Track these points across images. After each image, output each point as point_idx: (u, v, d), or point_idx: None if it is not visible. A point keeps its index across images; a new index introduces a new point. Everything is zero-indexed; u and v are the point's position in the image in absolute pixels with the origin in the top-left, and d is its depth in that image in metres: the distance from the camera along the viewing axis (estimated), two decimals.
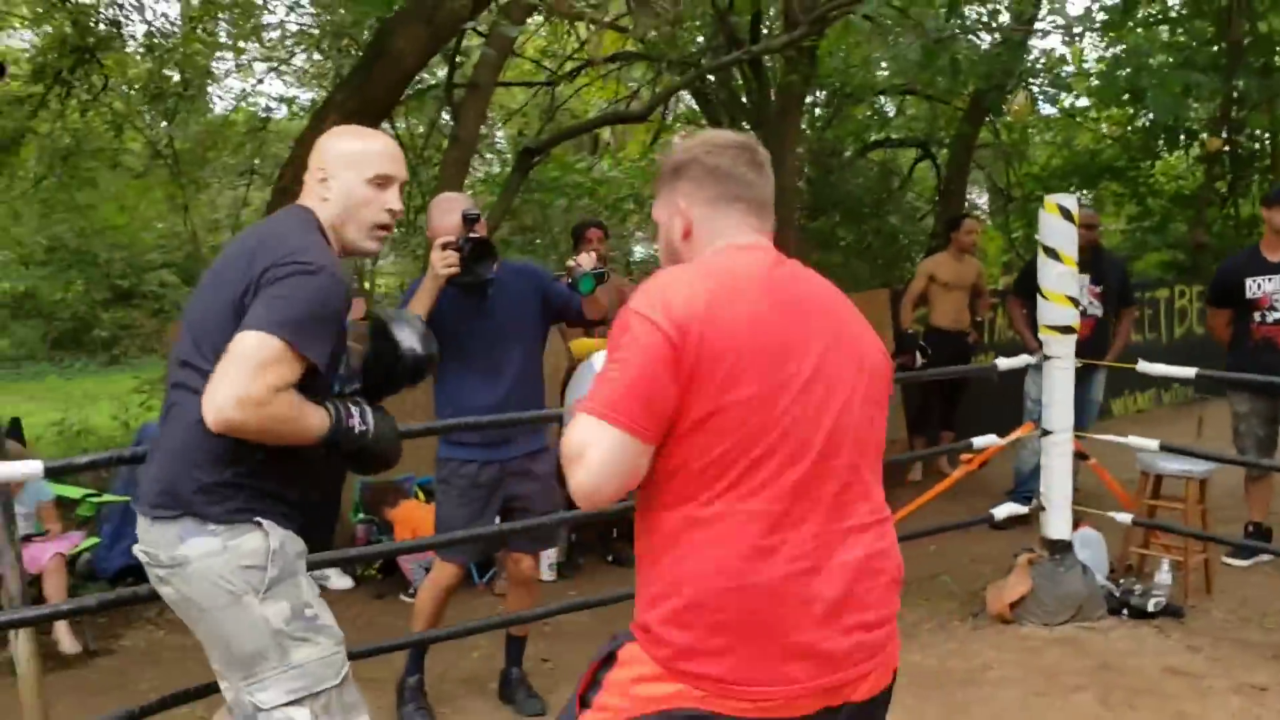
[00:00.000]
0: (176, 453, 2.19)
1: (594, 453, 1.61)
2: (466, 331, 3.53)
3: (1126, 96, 8.00)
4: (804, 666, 1.63)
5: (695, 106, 11.74)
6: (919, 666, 4.05)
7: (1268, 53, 12.13)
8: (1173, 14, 11.96)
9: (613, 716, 1.69)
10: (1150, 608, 4.55)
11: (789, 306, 1.72)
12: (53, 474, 3.03)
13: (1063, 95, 9.95)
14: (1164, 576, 4.72)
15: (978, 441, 4.53)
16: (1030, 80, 7.48)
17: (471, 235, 3.38)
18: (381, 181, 2.32)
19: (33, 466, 2.71)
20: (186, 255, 10.04)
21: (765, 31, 7.95)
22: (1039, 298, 4.53)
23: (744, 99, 9.02)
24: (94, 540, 4.97)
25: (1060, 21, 8.34)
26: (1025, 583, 4.54)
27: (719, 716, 1.62)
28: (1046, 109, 11.45)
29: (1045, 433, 4.56)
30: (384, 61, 5.43)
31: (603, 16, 6.95)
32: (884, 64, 8.13)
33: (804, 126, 11.10)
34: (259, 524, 2.18)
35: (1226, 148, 12.17)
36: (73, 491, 5.13)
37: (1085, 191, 12.88)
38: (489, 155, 10.26)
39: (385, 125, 7.81)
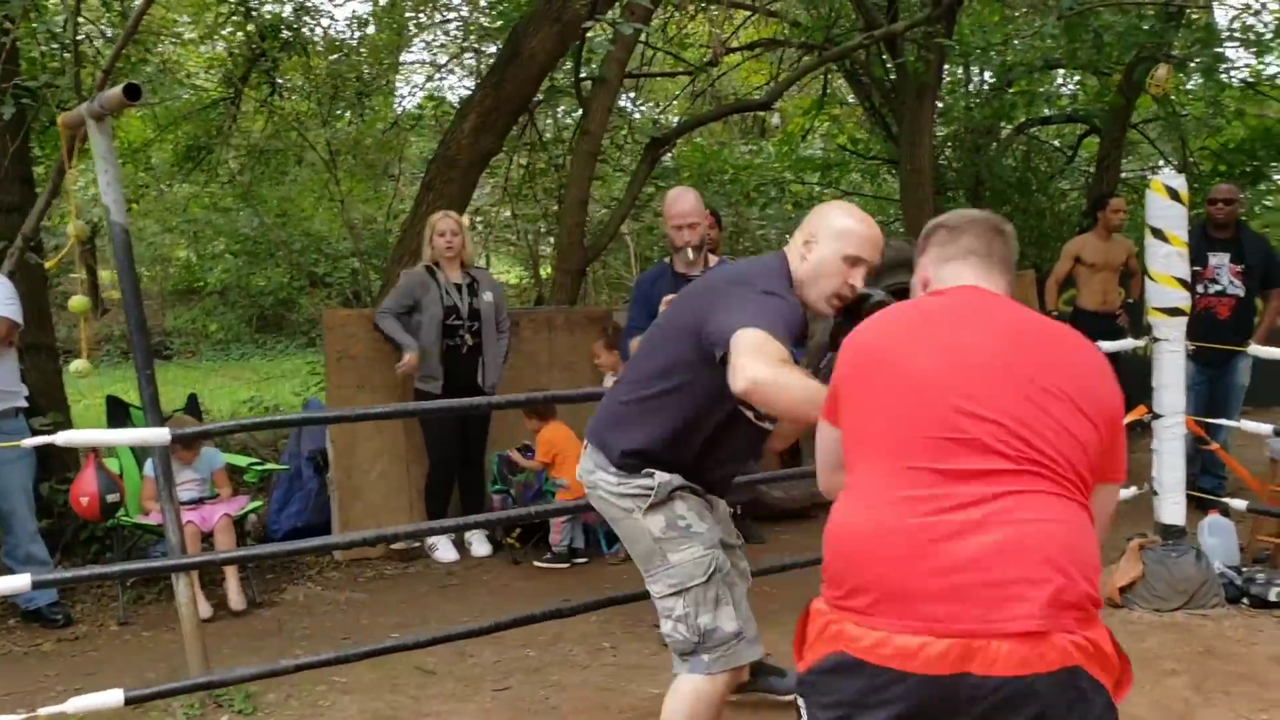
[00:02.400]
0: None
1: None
2: None
3: None
4: None
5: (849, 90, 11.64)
6: None
7: None
8: None
9: None
10: (1272, 597, 4.42)
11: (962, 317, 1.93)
12: (181, 440, 3.67)
13: (1239, 63, 9.40)
14: None
15: None
16: (1184, 51, 7.13)
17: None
18: (853, 261, 2.62)
19: (159, 434, 3.16)
20: (377, 244, 10.75)
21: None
22: (1146, 279, 4.44)
23: (886, 81, 8.96)
24: (258, 504, 5.52)
25: None
26: (1136, 568, 4.48)
27: None
28: (1234, 78, 10.82)
29: (1155, 416, 4.48)
30: (518, 62, 5.76)
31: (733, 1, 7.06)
32: (1033, 40, 7.89)
33: (964, 105, 10.91)
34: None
35: None
36: (240, 460, 5.72)
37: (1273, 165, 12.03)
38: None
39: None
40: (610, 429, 2.80)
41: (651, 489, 2.70)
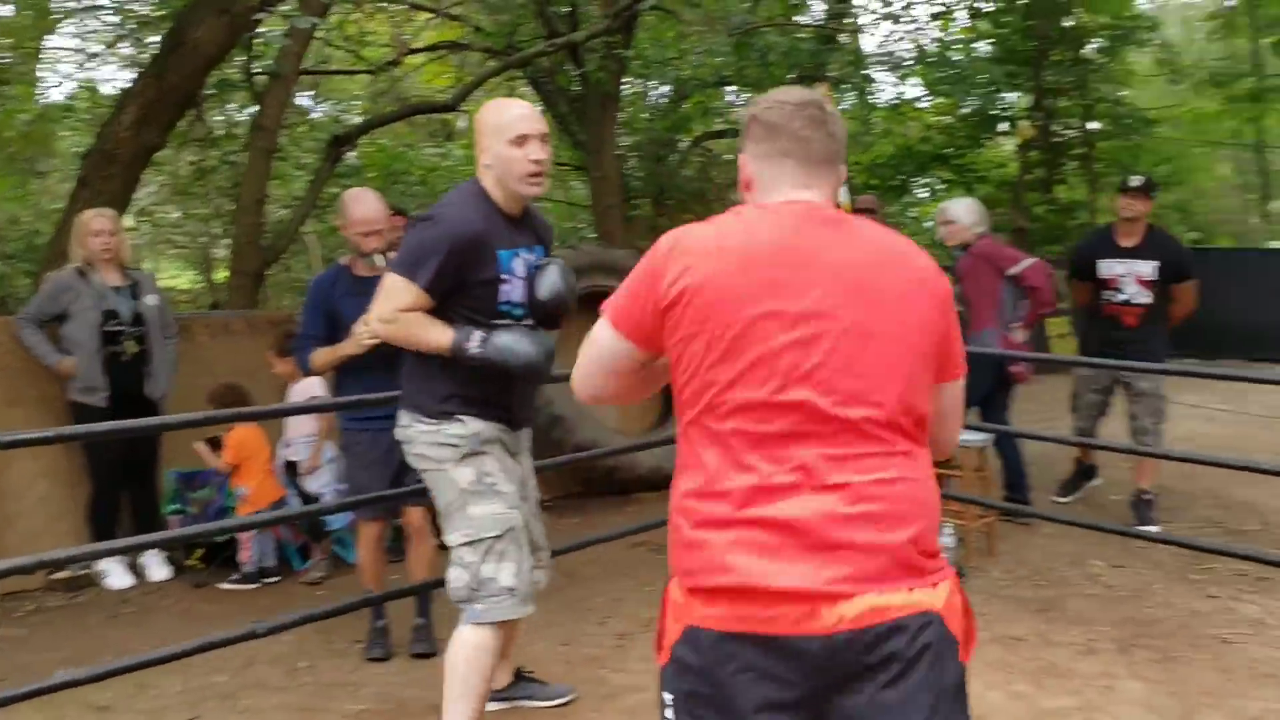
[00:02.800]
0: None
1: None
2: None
3: (953, 89, 8.40)
4: None
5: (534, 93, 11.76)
6: None
7: (1075, 45, 12.88)
8: (988, 7, 12.56)
9: None
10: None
11: (794, 251, 1.77)
12: None
13: (883, 86, 10.40)
14: (947, 540, 5.05)
15: None
16: (840, 72, 7.79)
17: None
18: (521, 140, 2.90)
19: None
20: (25, 245, 9.67)
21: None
22: None
23: (570, 89, 9.14)
24: None
25: (878, 17, 8.70)
26: None
27: None
28: (881, 99, 11.94)
29: None
30: (182, 52, 5.36)
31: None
32: (705, 56, 8.32)
33: (645, 116, 11.32)
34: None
35: (1041, 136, 12.87)
36: None
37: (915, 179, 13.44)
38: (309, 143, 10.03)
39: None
40: (410, 383, 3.07)
41: (464, 437, 2.96)
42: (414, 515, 4.22)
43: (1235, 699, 3.56)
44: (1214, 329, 9.94)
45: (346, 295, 3.99)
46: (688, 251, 1.79)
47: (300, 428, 5.33)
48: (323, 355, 3.99)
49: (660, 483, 6.47)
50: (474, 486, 2.97)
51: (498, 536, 2.96)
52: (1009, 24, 12.73)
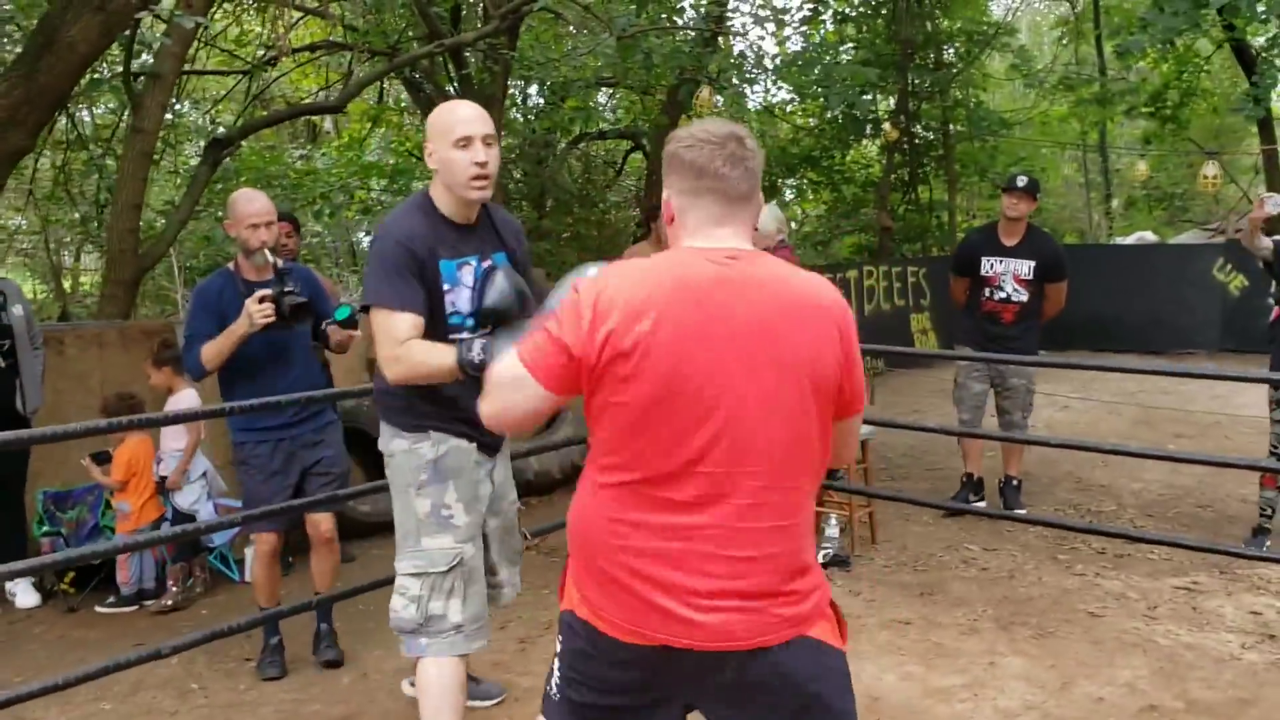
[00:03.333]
0: None
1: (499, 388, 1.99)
2: (262, 337, 3.80)
3: (816, 89, 8.64)
4: None
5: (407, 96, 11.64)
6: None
7: (936, 50, 13.41)
8: (853, 14, 12.96)
9: None
10: (820, 559, 5.00)
11: (710, 318, 1.86)
12: None
13: (755, 89, 10.64)
14: (833, 530, 5.23)
15: None
16: (719, 75, 7.94)
17: (288, 291, 3.75)
18: (465, 142, 2.82)
19: None
20: None
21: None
22: None
23: (449, 90, 9.07)
24: None
25: (749, 21, 8.89)
26: None
27: None
28: (751, 103, 12.20)
29: None
30: (54, 51, 5.12)
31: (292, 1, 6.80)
32: (587, 58, 8.38)
33: (520, 118, 11.30)
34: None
35: (904, 138, 13.35)
36: None
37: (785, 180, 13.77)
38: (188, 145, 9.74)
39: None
40: (386, 398, 3.01)
41: (433, 461, 2.95)
42: (323, 523, 4.14)
43: (1107, 668, 3.81)
44: (1064, 322, 10.49)
45: (235, 299, 3.86)
46: (613, 305, 1.86)
47: (171, 442, 5.17)
48: (212, 347, 3.81)
49: (545, 487, 6.51)
50: (429, 519, 2.95)
51: (444, 572, 2.93)
52: (874, 29, 13.19)
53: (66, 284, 11.86)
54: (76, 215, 9.21)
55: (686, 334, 1.85)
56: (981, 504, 5.92)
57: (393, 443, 3.01)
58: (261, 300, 3.70)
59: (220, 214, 9.33)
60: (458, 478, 2.97)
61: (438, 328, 2.87)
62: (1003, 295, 5.90)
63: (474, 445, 3.01)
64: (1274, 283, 5.36)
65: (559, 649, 2.03)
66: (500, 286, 2.88)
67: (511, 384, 1.96)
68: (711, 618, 1.84)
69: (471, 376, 2.67)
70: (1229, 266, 12.25)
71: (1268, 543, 5.22)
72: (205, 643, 3.67)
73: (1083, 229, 19.61)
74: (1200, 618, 4.31)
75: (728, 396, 1.85)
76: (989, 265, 5.94)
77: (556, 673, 2.03)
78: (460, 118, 2.87)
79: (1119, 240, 16.10)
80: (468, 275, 2.94)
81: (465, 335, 2.87)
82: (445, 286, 2.89)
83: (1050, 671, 3.79)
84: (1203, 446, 7.45)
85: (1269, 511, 5.28)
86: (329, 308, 4.01)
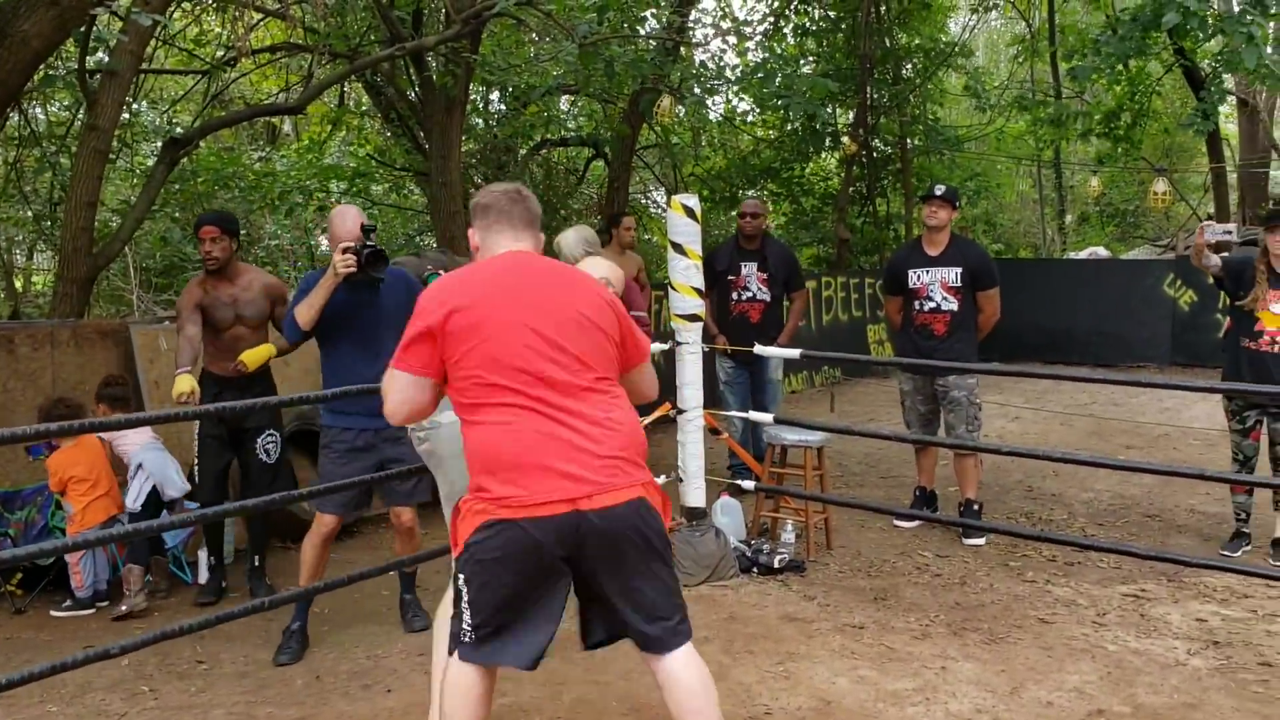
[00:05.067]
0: None
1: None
2: (355, 318, 4.29)
3: (777, 101, 8.70)
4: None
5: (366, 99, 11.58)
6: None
7: (895, 66, 13.57)
8: (814, 28, 13.09)
9: None
10: (776, 564, 5.06)
11: (504, 283, 2.70)
12: None
13: (716, 100, 10.72)
14: (789, 536, 5.27)
15: None
16: (680, 85, 8.00)
17: (368, 244, 4.21)
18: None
19: None
20: None
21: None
22: (669, 289, 4.91)
23: (410, 94, 9.04)
24: None
25: (711, 32, 8.96)
26: None
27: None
28: (712, 114, 12.29)
29: (680, 411, 4.96)
30: (7, 45, 5.05)
31: (250, 1, 6.75)
32: (549, 64, 8.41)
33: (482, 124, 11.28)
34: None
35: (863, 151, 13.49)
36: None
37: (748, 192, 13.86)
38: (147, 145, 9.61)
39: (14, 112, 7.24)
40: None
41: (448, 441, 3.29)
42: (404, 514, 4.48)
43: (1056, 673, 3.87)
44: (1016, 334, 10.66)
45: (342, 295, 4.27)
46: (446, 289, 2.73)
47: (127, 446, 5.16)
48: (304, 303, 4.23)
49: None
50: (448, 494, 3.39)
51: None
52: (834, 44, 13.32)
53: (18, 283, 11.65)
54: (29, 213, 9.06)
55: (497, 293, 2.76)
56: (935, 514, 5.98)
57: (442, 414, 3.23)
58: (345, 251, 4.15)
59: (176, 214, 9.26)
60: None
61: None
62: (932, 305, 5.83)
63: None
64: (1224, 297, 5.48)
65: None
66: None
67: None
68: None
69: None
70: (1179, 282, 12.49)
71: (1246, 545, 5.41)
72: (156, 643, 3.61)
73: (1036, 244, 19.89)
74: (1148, 624, 4.39)
75: None
76: (915, 277, 5.87)
77: None
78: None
79: (1072, 255, 16.35)
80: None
81: None
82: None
83: (1001, 676, 3.85)
84: (1151, 457, 7.58)
85: (1243, 515, 5.47)
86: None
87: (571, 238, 4.54)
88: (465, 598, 2.62)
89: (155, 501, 5.12)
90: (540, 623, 2.63)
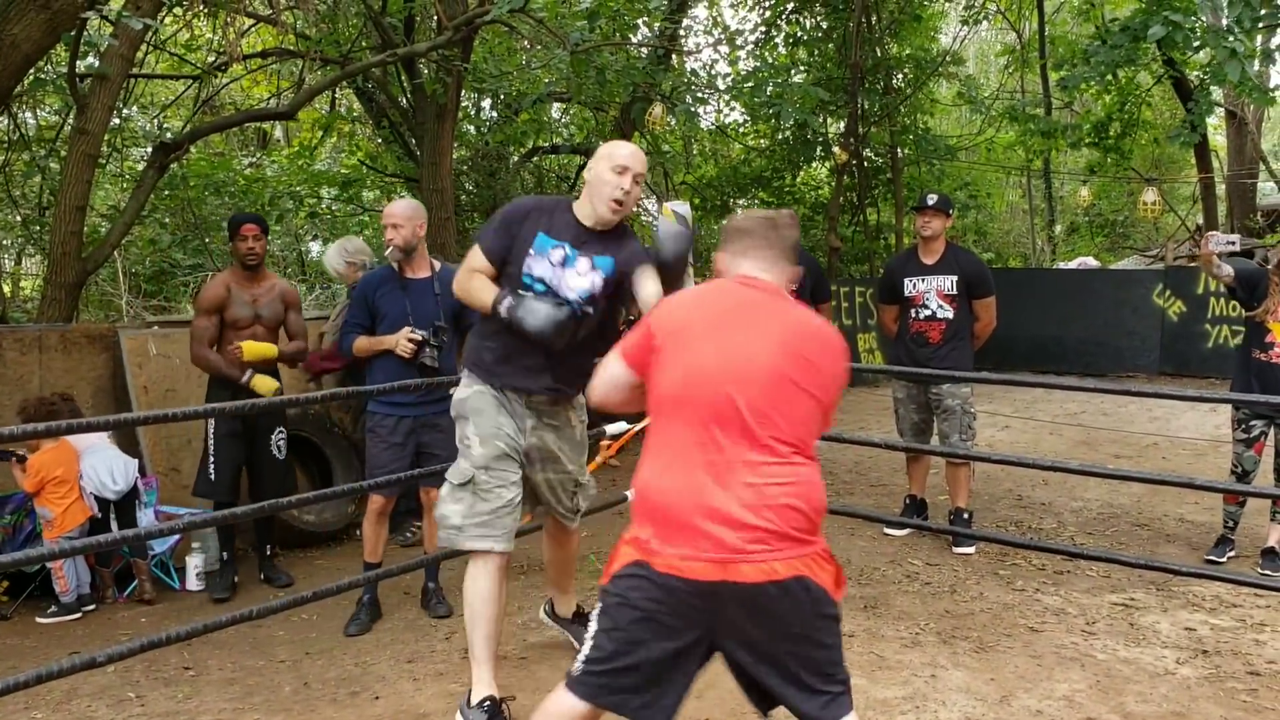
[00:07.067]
0: None
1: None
2: (403, 324, 4.67)
3: (768, 110, 8.71)
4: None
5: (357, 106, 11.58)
6: (551, 638, 4.30)
7: (886, 76, 13.62)
8: (805, 37, 13.13)
9: None
10: None
11: (728, 308, 2.54)
12: None
13: (708, 109, 10.74)
14: None
15: (610, 429, 4.84)
16: (672, 93, 8.00)
17: (433, 344, 4.65)
18: (621, 169, 3.41)
19: None
20: None
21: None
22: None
23: (402, 101, 9.04)
24: None
25: (702, 42, 8.96)
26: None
27: None
28: (704, 123, 12.30)
29: None
30: None
31: (242, 7, 6.74)
32: (540, 72, 8.41)
33: (473, 130, 11.28)
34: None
35: (854, 160, 13.52)
36: None
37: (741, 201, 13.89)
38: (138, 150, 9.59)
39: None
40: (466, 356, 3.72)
41: (461, 400, 3.59)
42: (435, 493, 4.46)
43: (1046, 682, 3.87)
44: (1006, 344, 10.69)
45: (391, 291, 4.71)
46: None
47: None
48: (364, 343, 4.70)
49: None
50: (460, 444, 3.60)
51: (459, 485, 3.54)
52: (825, 53, 13.36)
53: (7, 288, 11.62)
54: (18, 218, 9.03)
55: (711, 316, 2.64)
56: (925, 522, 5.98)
57: (459, 389, 3.64)
58: (410, 339, 4.61)
59: (166, 219, 9.24)
60: (478, 416, 3.55)
61: (510, 279, 3.47)
62: (928, 313, 5.83)
63: (505, 394, 3.57)
64: (1213, 307, 5.50)
65: None
66: (537, 314, 3.34)
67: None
68: None
69: (498, 315, 3.40)
70: (1168, 292, 12.54)
71: (1230, 551, 5.45)
72: (143, 651, 3.59)
73: (1026, 253, 19.96)
74: (1137, 633, 4.40)
75: None
76: (911, 285, 5.88)
77: None
78: (628, 151, 3.51)
79: (1061, 265, 16.41)
80: (556, 255, 3.45)
81: (521, 293, 3.43)
82: (531, 251, 3.45)
83: (990, 685, 3.85)
84: (1141, 467, 7.61)
85: (1231, 524, 5.54)
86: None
87: (332, 252, 4.72)
88: (593, 628, 2.46)
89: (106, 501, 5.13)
90: (667, 685, 2.42)
